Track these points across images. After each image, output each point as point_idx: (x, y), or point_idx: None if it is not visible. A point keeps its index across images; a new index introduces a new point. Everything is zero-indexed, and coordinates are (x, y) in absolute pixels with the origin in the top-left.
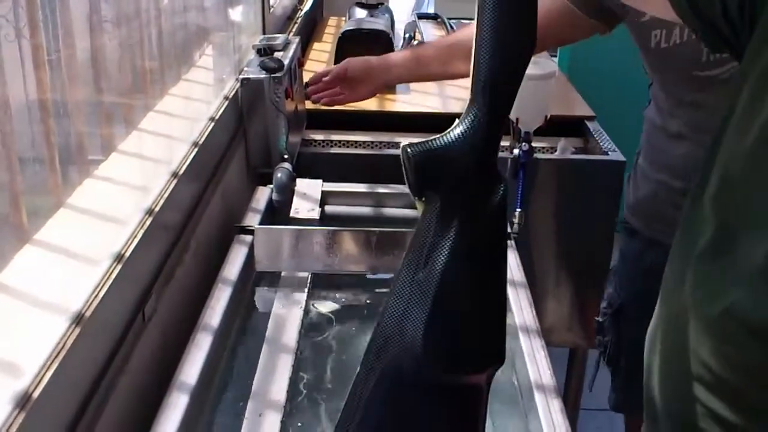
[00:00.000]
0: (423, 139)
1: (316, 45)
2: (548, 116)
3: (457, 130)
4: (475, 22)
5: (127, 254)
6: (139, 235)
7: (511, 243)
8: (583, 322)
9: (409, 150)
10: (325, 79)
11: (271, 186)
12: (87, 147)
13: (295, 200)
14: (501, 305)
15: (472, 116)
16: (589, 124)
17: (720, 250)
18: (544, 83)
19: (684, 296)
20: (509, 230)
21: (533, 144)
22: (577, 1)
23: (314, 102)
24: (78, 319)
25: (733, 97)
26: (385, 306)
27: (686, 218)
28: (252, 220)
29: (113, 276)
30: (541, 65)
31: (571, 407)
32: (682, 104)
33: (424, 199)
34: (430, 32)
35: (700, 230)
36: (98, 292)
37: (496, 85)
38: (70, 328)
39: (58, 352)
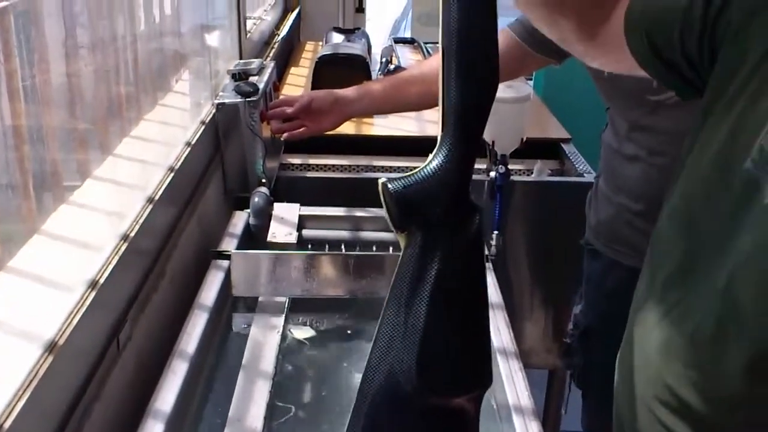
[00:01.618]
0: (401, 175)
1: (293, 69)
2: (524, 139)
3: (433, 163)
4: (439, 56)
5: (102, 281)
6: (114, 261)
7: (488, 265)
8: (563, 343)
9: (390, 186)
10: (288, 110)
11: (248, 210)
12: (62, 173)
13: (273, 224)
14: (485, 331)
15: (446, 149)
16: (565, 147)
17: (685, 273)
18: (519, 106)
19: (651, 319)
20: (486, 253)
21: (510, 166)
22: (527, 40)
23: (275, 133)
24: (51, 347)
25: (693, 129)
26: (374, 341)
27: (653, 242)
28: (229, 244)
29: (87, 303)
30: (516, 89)
31: (551, 429)
32: (635, 128)
33: (405, 232)
34: (406, 56)
35: (667, 252)
36: (71, 320)
37: (467, 118)
38: (42, 356)
39: (30, 381)
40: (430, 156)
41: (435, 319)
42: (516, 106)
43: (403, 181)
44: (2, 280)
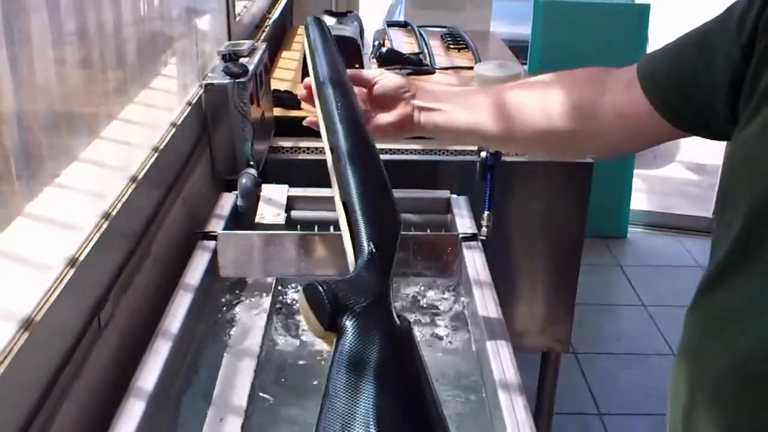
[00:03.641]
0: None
1: (285, 54)
2: None
3: (352, 275)
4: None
5: (81, 258)
6: (95, 239)
7: (477, 244)
8: (556, 324)
9: (318, 286)
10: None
11: (236, 192)
12: (46, 156)
13: (261, 206)
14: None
15: (362, 264)
16: None
17: None
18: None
19: None
20: (479, 232)
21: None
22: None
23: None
24: (27, 323)
25: None
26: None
27: None
28: (216, 226)
29: (66, 280)
30: (507, 67)
31: (546, 412)
32: None
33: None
34: (400, 40)
35: None
36: (49, 296)
37: (377, 241)
38: (18, 332)
39: (5, 357)
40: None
41: (385, 400)
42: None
43: (324, 283)
44: None
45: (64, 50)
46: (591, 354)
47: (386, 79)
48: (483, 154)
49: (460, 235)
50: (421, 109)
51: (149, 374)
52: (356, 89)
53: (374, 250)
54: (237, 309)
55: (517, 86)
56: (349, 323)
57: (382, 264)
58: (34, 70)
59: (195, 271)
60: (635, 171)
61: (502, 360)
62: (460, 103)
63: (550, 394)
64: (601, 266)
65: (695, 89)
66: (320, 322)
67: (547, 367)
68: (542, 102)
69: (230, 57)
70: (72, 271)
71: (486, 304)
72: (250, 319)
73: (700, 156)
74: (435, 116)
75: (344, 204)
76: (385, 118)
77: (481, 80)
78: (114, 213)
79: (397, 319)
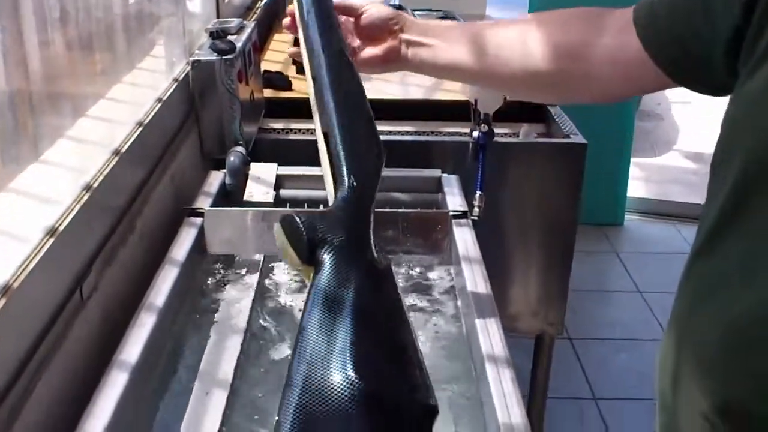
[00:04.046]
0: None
1: (276, 36)
2: (507, 97)
3: (331, 207)
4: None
5: (61, 228)
6: (75, 210)
7: (468, 221)
8: (549, 307)
9: (295, 216)
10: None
11: (225, 171)
12: (31, 134)
13: (249, 183)
14: (414, 349)
15: (342, 197)
16: (551, 109)
17: None
18: None
19: None
20: (470, 212)
21: (495, 130)
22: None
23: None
24: (4, 290)
25: None
26: (292, 374)
27: None
28: (203, 203)
29: (45, 249)
30: None
31: (540, 395)
32: None
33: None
34: None
35: None
36: (27, 264)
37: (358, 173)
38: None
39: None
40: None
41: (361, 335)
42: None
43: (301, 214)
44: None
45: (51, 32)
46: (586, 340)
47: (374, 8)
48: (475, 134)
49: (451, 213)
50: (409, 43)
51: (133, 347)
52: (343, 19)
53: (355, 184)
54: (224, 285)
55: (506, 22)
56: (326, 257)
57: (363, 198)
58: (21, 51)
59: (181, 247)
60: (633, 159)
61: (490, 335)
62: (445, 38)
63: (544, 378)
64: (597, 253)
65: (694, 42)
66: (298, 255)
67: (541, 351)
68: (527, 39)
69: (218, 34)
70: (51, 240)
71: (476, 280)
72: (238, 295)
73: (698, 145)
74: (421, 51)
75: (325, 135)
76: (371, 51)
77: None
78: (96, 185)
79: (376, 256)
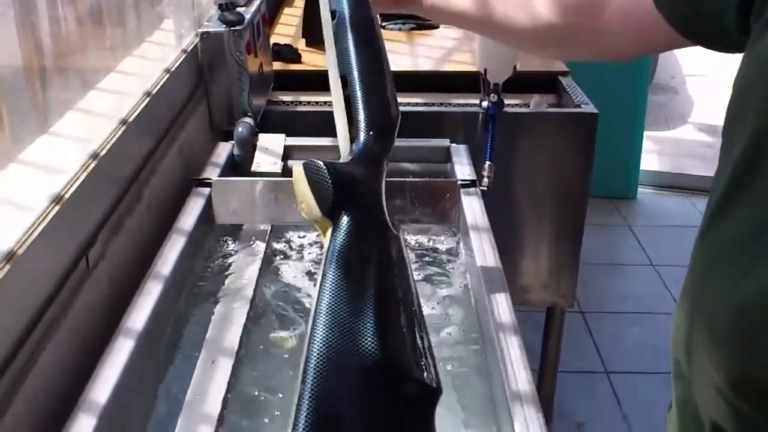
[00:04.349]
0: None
1: (287, 10)
2: (517, 66)
3: (354, 157)
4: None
5: (67, 196)
6: (81, 178)
7: (476, 190)
8: (560, 279)
9: (321, 163)
10: None
11: (233, 142)
12: (43, 106)
13: (257, 154)
14: (421, 327)
15: (360, 150)
16: (563, 80)
17: None
18: None
19: None
20: (479, 182)
21: (505, 101)
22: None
23: None
24: (9, 256)
25: None
26: (313, 333)
27: None
28: (211, 173)
29: (50, 216)
30: None
31: (551, 368)
32: None
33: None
34: None
35: None
36: (33, 231)
37: (377, 125)
38: None
39: None
40: (348, 153)
41: (386, 297)
42: None
43: (333, 163)
44: None
45: (62, 7)
46: (599, 313)
47: None
48: (485, 104)
49: (459, 182)
50: None
51: (139, 314)
52: None
53: (374, 136)
54: (231, 255)
55: None
56: (347, 219)
57: (379, 155)
58: (33, 26)
59: (188, 217)
60: (647, 133)
61: (498, 302)
62: None
63: (555, 351)
64: (610, 227)
65: (706, 1)
66: (320, 207)
67: (552, 324)
68: None
69: (227, 6)
70: (57, 208)
71: (483, 248)
72: (245, 264)
73: (713, 118)
74: None
75: (342, 79)
76: None
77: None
78: (102, 153)
79: (389, 222)
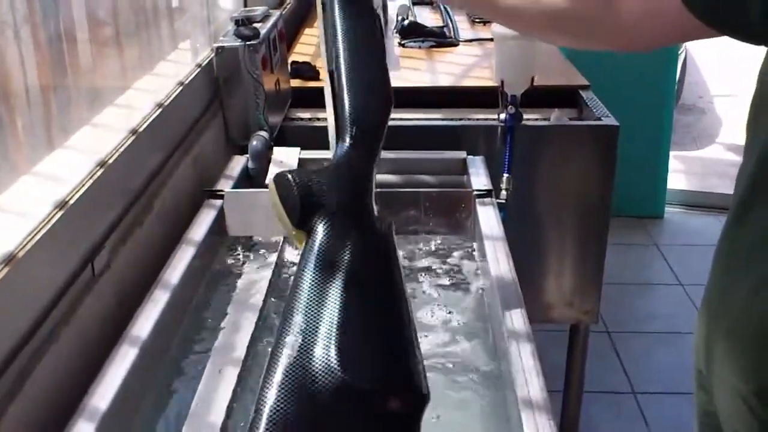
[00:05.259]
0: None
1: (307, 30)
2: (535, 78)
3: (330, 163)
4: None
5: (71, 202)
6: (87, 185)
7: (492, 200)
8: (583, 295)
9: (289, 176)
10: None
11: (248, 155)
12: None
13: (272, 168)
14: (406, 326)
15: (342, 152)
16: (584, 94)
17: None
18: (526, 43)
19: None
20: (497, 195)
21: (525, 116)
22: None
23: None
24: (9, 258)
25: None
26: (278, 340)
27: None
28: (224, 185)
29: (53, 221)
30: None
31: (576, 388)
32: None
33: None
34: (425, 16)
35: None
36: (34, 235)
37: (361, 123)
38: None
39: None
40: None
41: (351, 307)
42: (523, 42)
43: (302, 171)
44: None
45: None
46: (625, 333)
47: None
48: (502, 116)
49: (474, 192)
50: None
51: (145, 322)
52: None
53: (358, 135)
54: (242, 266)
55: None
56: (320, 226)
57: (366, 151)
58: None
59: (199, 228)
60: (674, 152)
61: (511, 311)
62: None
63: (579, 370)
64: (637, 245)
65: None
66: (290, 220)
67: (576, 341)
68: None
69: (243, 22)
70: (60, 213)
71: (498, 257)
72: (255, 275)
73: (741, 137)
74: None
75: (330, 74)
76: None
77: (499, 37)
78: (110, 162)
79: (376, 220)
